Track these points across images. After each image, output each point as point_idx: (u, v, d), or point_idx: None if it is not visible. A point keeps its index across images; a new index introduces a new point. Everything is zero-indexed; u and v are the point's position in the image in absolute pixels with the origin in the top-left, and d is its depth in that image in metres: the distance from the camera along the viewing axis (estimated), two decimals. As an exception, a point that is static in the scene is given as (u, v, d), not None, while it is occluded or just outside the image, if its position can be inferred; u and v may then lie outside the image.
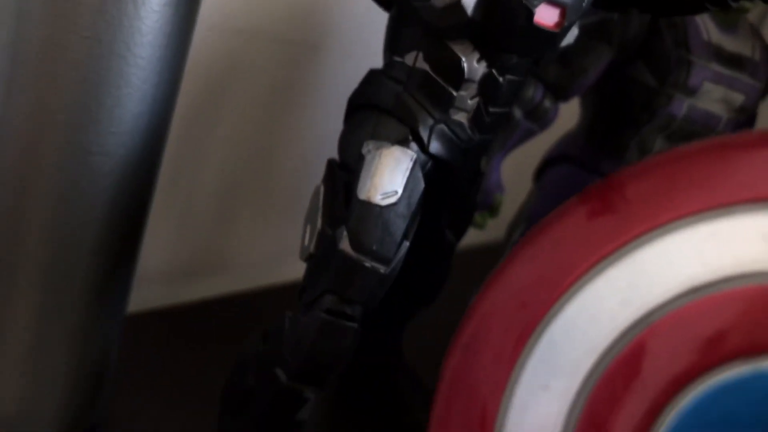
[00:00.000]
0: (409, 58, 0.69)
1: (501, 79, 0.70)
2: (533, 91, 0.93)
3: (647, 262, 0.65)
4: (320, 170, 0.97)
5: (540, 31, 0.67)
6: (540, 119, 0.94)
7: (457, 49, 0.68)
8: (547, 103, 0.94)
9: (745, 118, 1.00)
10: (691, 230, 0.65)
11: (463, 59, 0.68)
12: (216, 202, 1.20)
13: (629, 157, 0.97)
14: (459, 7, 0.65)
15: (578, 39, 0.93)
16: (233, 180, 1.20)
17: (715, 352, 0.60)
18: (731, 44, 0.95)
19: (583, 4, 0.70)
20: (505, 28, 0.67)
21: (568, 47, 0.92)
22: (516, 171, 1.32)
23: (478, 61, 0.69)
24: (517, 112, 0.93)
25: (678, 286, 0.64)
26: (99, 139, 0.65)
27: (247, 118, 1.16)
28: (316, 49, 1.19)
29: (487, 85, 0.70)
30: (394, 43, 0.72)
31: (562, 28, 0.69)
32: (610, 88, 0.98)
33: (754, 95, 0.97)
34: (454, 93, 0.69)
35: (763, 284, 0.61)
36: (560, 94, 0.94)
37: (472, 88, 0.69)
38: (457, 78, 0.68)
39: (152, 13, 0.63)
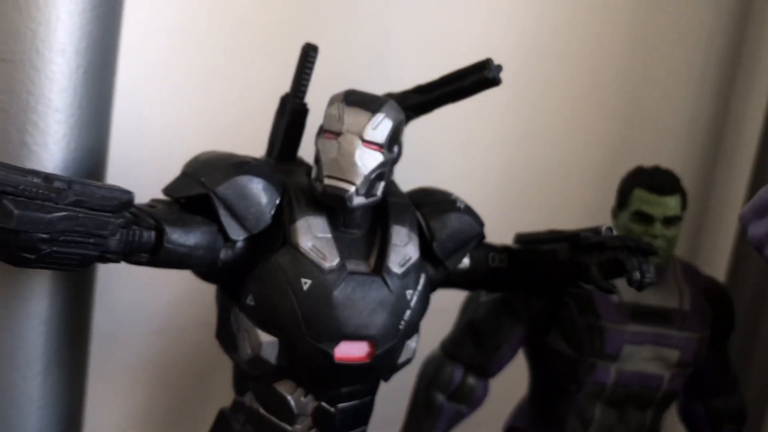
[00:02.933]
0: (247, 398, 0.74)
1: (333, 409, 0.72)
2: (451, 372, 0.93)
3: None
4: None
5: (352, 366, 0.70)
6: (466, 400, 0.93)
7: (283, 389, 0.71)
8: (471, 381, 0.93)
9: (693, 372, 0.93)
10: None
11: (289, 398, 0.71)
12: None
13: (570, 425, 0.92)
14: (261, 359, 0.69)
15: (487, 316, 0.93)
16: None
17: None
18: (652, 298, 0.91)
19: (396, 336, 0.71)
20: (314, 371, 0.70)
21: (480, 325, 0.93)
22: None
23: (305, 396, 0.71)
24: (439, 397, 0.92)
25: None
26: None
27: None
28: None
29: (320, 417, 0.72)
30: (236, 382, 0.76)
31: (376, 356, 0.70)
32: (536, 359, 0.95)
33: (692, 347, 0.90)
34: (289, 428, 0.72)
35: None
36: (481, 371, 0.93)
37: (307, 422, 0.72)
38: (288, 415, 0.71)
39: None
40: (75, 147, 0.73)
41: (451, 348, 0.94)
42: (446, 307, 0.95)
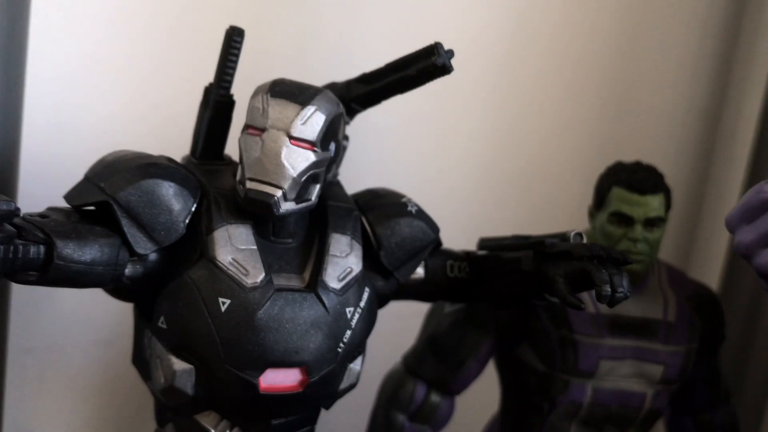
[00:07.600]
0: (168, 430, 0.65)
1: None
2: (412, 389, 0.84)
3: None
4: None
5: (283, 397, 0.61)
6: (429, 419, 0.84)
7: (205, 421, 0.63)
8: (435, 399, 0.84)
9: (680, 386, 0.84)
10: None
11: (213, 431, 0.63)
12: None
13: (544, 447, 0.84)
14: (175, 389, 0.61)
15: (451, 329, 0.85)
16: None
17: None
18: (633, 308, 0.82)
19: (335, 361, 0.63)
20: (237, 403, 0.61)
21: (443, 339, 0.84)
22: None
23: (231, 429, 0.63)
24: (400, 417, 0.84)
25: None
26: None
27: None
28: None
29: None
30: (157, 411, 0.68)
31: (310, 384, 0.62)
32: (506, 373, 0.87)
33: (677, 362, 0.82)
34: None
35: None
36: (445, 388, 0.84)
37: None
38: (213, 447, 0.63)
39: None
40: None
41: (413, 363, 0.85)
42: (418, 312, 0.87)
